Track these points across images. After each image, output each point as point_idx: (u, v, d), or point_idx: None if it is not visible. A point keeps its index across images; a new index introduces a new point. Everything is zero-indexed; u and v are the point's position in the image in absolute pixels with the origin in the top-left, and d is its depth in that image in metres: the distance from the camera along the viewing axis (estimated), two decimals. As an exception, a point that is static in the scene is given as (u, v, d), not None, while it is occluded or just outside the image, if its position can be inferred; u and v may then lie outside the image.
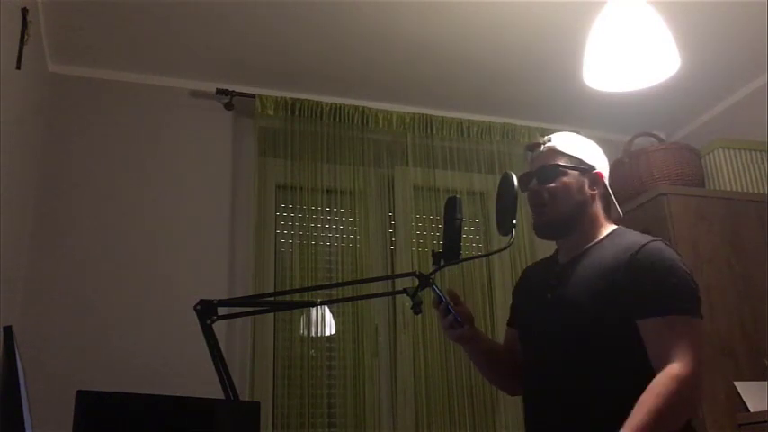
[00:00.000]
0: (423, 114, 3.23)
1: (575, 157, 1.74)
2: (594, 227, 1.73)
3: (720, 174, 3.04)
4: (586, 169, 1.74)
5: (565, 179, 1.72)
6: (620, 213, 1.78)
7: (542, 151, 1.77)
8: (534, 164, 1.78)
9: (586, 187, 1.73)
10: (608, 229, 1.73)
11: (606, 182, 1.77)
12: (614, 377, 1.54)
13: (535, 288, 1.80)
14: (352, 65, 2.99)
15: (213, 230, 2.90)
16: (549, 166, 1.73)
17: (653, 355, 1.50)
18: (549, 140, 1.77)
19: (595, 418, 1.52)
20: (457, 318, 1.70)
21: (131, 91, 2.98)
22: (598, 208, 1.75)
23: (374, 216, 3.11)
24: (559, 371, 1.61)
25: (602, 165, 1.78)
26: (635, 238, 1.64)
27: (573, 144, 1.77)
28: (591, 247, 1.70)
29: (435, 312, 1.79)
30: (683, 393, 1.43)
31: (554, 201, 1.71)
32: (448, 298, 1.73)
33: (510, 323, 1.92)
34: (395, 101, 3.25)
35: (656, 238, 1.62)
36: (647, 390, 1.43)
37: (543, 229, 1.77)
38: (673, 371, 1.44)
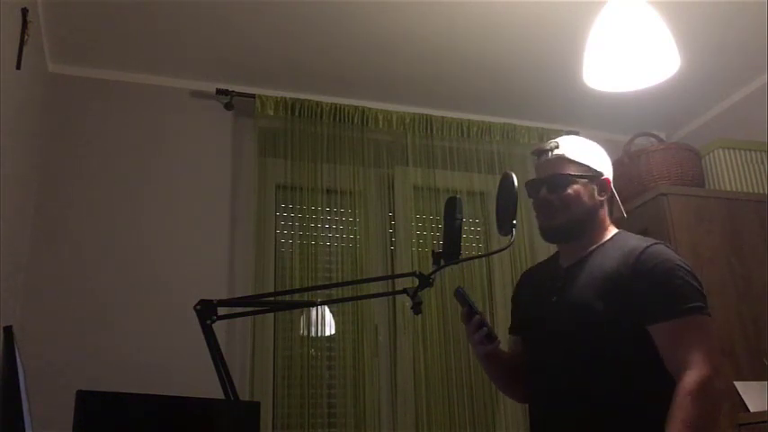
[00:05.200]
0: (423, 114, 3.23)
1: (584, 165, 1.74)
2: (599, 230, 1.74)
3: (720, 174, 3.03)
4: (595, 176, 1.75)
5: (576, 187, 1.72)
6: (624, 214, 1.79)
7: (550, 158, 1.76)
8: (543, 171, 1.77)
9: (596, 194, 1.74)
10: (611, 232, 1.75)
11: (612, 185, 1.78)
12: (628, 374, 1.55)
13: (538, 292, 1.80)
14: (352, 65, 2.99)
15: (213, 230, 2.90)
16: (559, 176, 1.73)
17: (667, 360, 1.53)
18: (557, 146, 1.76)
19: (612, 416, 1.54)
20: (491, 334, 1.69)
21: (131, 91, 2.98)
22: (605, 212, 1.77)
23: (374, 216, 3.10)
24: (571, 370, 1.62)
25: (608, 169, 1.79)
26: (636, 241, 1.67)
27: (581, 151, 1.76)
28: (594, 250, 1.71)
29: (463, 326, 1.76)
30: (707, 398, 1.45)
31: (565, 208, 1.72)
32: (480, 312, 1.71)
33: (512, 331, 1.91)
34: (395, 101, 3.25)
35: (657, 241, 1.65)
36: (673, 406, 1.44)
37: (551, 234, 1.77)
38: (691, 381, 1.45)
